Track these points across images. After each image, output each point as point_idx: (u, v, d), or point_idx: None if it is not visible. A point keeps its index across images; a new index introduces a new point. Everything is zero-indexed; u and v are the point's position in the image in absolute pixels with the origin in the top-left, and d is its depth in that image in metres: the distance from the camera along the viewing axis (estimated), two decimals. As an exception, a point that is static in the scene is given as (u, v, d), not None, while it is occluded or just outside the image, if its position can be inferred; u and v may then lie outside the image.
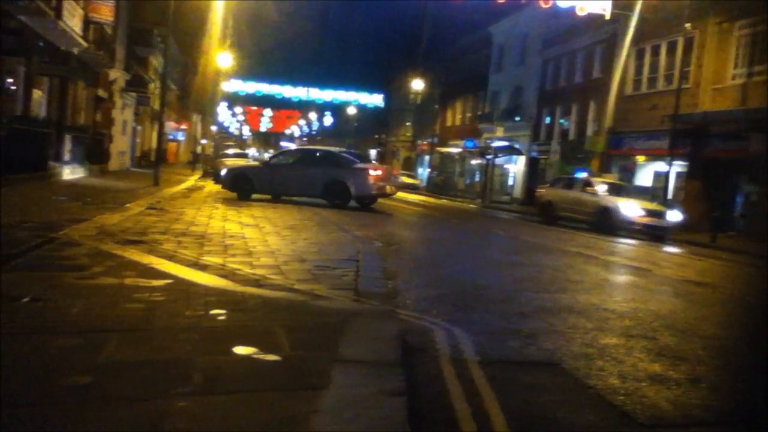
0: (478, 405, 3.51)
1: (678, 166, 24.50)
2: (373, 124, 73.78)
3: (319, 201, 18.03)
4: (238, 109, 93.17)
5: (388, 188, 18.24)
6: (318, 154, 19.85)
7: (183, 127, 52.54)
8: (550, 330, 5.38)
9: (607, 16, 27.59)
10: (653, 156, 26.98)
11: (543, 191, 23.59)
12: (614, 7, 27.24)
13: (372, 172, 17.69)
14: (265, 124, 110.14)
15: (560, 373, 4.25)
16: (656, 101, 26.43)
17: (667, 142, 24.07)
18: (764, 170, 20.58)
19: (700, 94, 24.10)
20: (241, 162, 27.65)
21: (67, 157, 19.73)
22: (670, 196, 23.87)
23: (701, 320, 6.58)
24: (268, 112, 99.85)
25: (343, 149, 23.44)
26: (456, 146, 49.85)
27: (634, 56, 28.77)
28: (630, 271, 10.46)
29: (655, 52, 27.55)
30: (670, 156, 23.19)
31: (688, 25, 23.14)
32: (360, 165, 18.15)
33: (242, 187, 18.28)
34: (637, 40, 28.35)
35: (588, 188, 20.65)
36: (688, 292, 8.66)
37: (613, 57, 30.25)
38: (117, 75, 28.82)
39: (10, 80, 16.99)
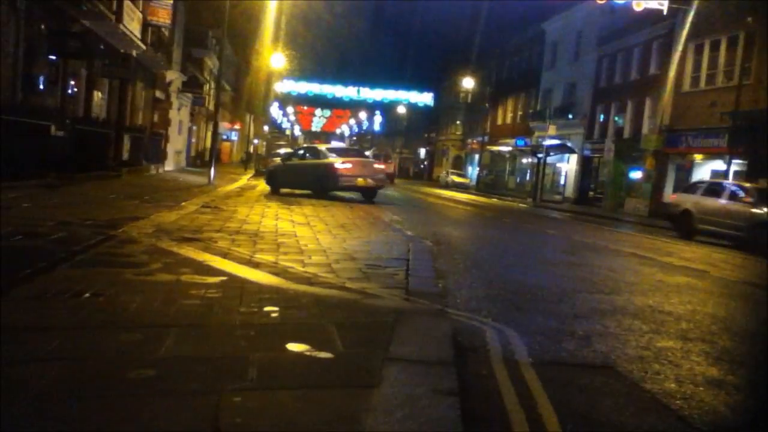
0: (530, 407, 3.48)
1: (737, 165, 23.73)
2: (422, 122, 73.76)
3: (373, 201, 18.46)
4: (290, 109, 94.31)
5: (360, 181, 18.89)
6: (312, 151, 21.77)
7: (236, 127, 53.49)
8: (605, 332, 5.29)
9: (665, 11, 26.91)
10: (710, 154, 26.23)
11: (679, 198, 19.55)
12: (672, 1, 26.55)
13: (338, 166, 18.85)
14: (316, 124, 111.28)
15: (615, 376, 4.17)
16: (715, 98, 25.67)
17: (725, 140, 23.37)
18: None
19: (762, 90, 23.28)
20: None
21: (125, 156, 20.33)
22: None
23: (761, 324, 6.37)
24: (319, 112, 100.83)
25: (338, 144, 26.01)
26: (507, 145, 49.41)
27: (692, 52, 28.00)
28: None
29: (715, 47, 26.73)
30: (728, 154, 22.48)
31: (749, 19, 22.39)
32: (330, 160, 19.26)
33: (272, 182, 21.20)
34: (695, 35, 27.57)
35: (741, 196, 16.61)
36: (748, 294, 8.38)
37: (670, 53, 29.48)
38: (174, 76, 29.53)
39: (72, 82, 17.60)
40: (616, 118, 35.42)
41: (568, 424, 3.29)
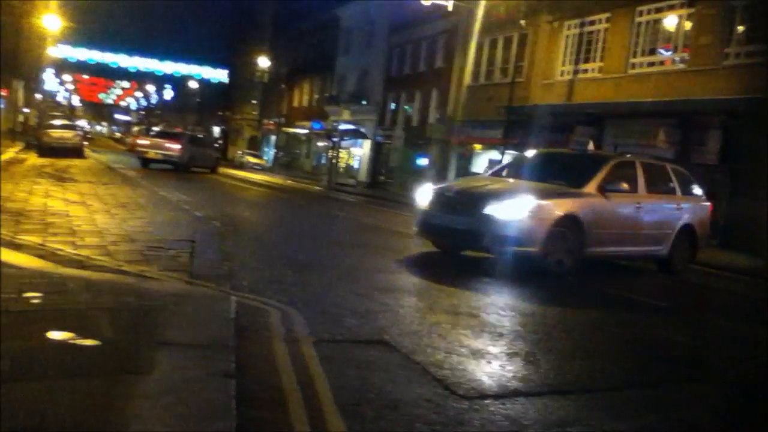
0: (307, 384, 3.54)
1: (510, 155, 26.04)
2: (217, 99, 71.53)
3: (160, 180, 17.51)
4: (67, 77, 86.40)
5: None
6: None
7: (2, 93, 47.80)
8: (383, 309, 5.54)
9: (450, 8, 28.61)
10: (489, 145, 28.51)
11: None
12: (458, -1, 28.31)
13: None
14: (97, 95, 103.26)
15: (390, 350, 4.40)
16: (492, 93, 27.91)
17: (501, 132, 25.53)
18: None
19: (532, 87, 25.78)
20: (69, 134, 28.07)
21: None
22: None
23: (523, 300, 7.07)
24: (100, 82, 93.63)
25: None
26: (303, 127, 49.71)
27: (474, 48, 30.13)
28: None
29: (493, 45, 29.04)
30: (503, 145, 24.60)
31: (522, 22, 24.59)
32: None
33: None
34: (477, 33, 29.69)
35: None
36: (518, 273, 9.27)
37: (455, 48, 31.49)
38: None
39: None
40: (406, 107, 37.13)
41: (342, 398, 3.41)
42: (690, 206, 10.72)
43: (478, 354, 4.54)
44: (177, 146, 26.09)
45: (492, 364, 4.36)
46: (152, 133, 29.93)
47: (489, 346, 4.78)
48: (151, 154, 25.74)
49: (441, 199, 8.80)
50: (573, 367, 4.66)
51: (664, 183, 10.51)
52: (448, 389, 3.78)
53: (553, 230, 8.19)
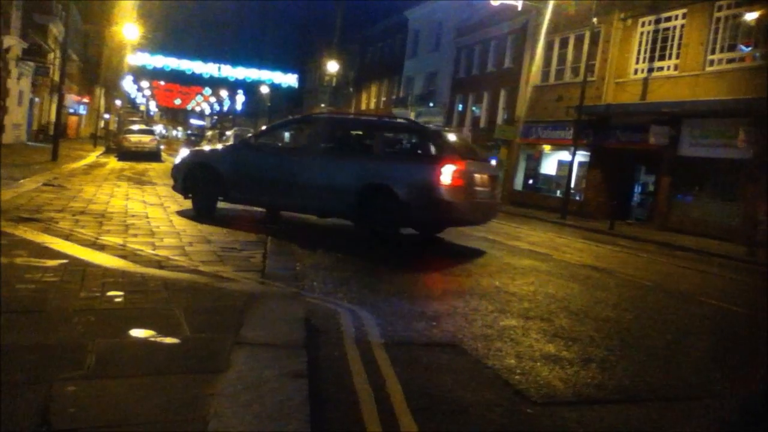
0: (379, 386, 3.55)
1: (581, 156, 25.48)
2: (287, 104, 72.85)
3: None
4: (145, 84, 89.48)
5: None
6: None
7: (85, 100, 50.10)
8: (453, 312, 5.51)
9: (519, 8, 28.22)
10: (558, 145, 27.96)
11: None
12: (526, -2, 27.89)
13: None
14: (173, 101, 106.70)
15: (460, 353, 4.37)
16: (562, 93, 27.35)
17: (571, 133, 25.00)
18: (663, 161, 21.77)
19: (604, 87, 25.12)
20: (146, 138, 29.09)
21: (-46, 128, 18.45)
22: (573, 184, 24.84)
23: (596, 303, 6.90)
24: (176, 88, 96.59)
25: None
26: (370, 130, 49.87)
27: (543, 48, 29.62)
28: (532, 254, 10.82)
29: (564, 44, 28.46)
30: (573, 146, 24.08)
31: (594, 19, 24.00)
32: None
33: None
34: (547, 32, 29.18)
35: None
36: (586, 276, 9.05)
37: (523, 48, 31.03)
38: (12, 42, 27.09)
39: None
40: (474, 108, 36.82)
41: (413, 400, 3.40)
42: (391, 166, 9.10)
43: (551, 359, 4.44)
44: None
45: (566, 370, 4.26)
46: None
47: (563, 351, 4.67)
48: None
49: None
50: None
51: (359, 142, 10.10)
52: (520, 394, 3.72)
53: (190, 173, 10.05)
